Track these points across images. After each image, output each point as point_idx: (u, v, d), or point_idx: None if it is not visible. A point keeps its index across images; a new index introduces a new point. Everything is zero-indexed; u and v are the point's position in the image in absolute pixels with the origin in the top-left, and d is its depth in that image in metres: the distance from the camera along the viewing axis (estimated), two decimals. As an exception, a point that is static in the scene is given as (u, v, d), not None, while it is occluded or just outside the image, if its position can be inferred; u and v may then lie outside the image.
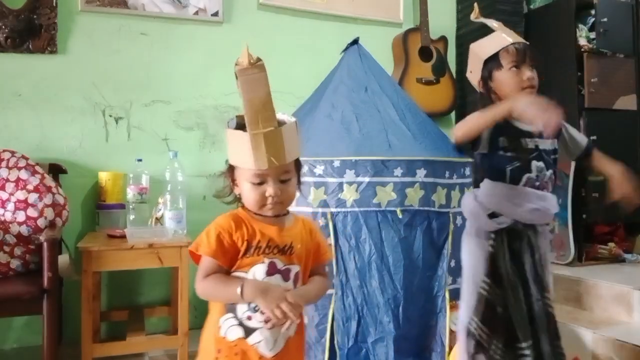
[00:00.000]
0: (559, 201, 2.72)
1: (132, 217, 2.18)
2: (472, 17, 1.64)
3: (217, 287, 1.04)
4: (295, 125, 1.08)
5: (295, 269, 1.10)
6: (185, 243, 1.98)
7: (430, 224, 1.87)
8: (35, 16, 2.26)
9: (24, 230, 1.93)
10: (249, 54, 1.01)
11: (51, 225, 1.96)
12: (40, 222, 1.94)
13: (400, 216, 1.80)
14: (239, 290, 1.01)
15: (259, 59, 1.02)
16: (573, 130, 1.55)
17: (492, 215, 1.44)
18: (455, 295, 2.05)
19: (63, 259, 1.92)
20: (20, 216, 1.93)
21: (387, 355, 1.76)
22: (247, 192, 1.07)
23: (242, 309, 1.05)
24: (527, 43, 1.48)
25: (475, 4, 1.66)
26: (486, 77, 1.49)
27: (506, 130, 1.45)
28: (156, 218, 2.17)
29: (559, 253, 2.75)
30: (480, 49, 1.51)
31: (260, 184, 1.05)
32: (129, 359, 2.06)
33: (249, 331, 1.05)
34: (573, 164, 2.69)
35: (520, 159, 1.43)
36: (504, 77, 1.46)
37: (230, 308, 1.06)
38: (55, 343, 1.81)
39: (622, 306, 2.23)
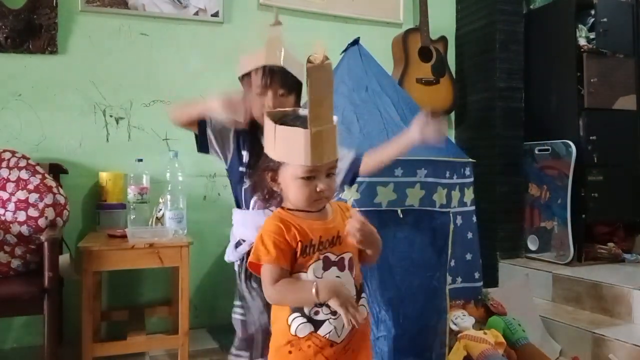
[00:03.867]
0: (558, 201, 2.79)
1: (132, 217, 2.18)
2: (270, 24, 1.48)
3: (289, 293, 1.05)
4: (337, 124, 1.11)
5: (347, 256, 1.11)
6: (186, 243, 1.99)
7: (430, 223, 1.87)
8: (35, 16, 2.26)
9: (24, 230, 1.93)
10: (324, 53, 1.02)
11: (52, 225, 1.96)
12: (41, 222, 1.94)
13: (400, 216, 1.80)
14: (314, 291, 1.01)
15: (327, 58, 1.03)
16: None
17: (238, 244, 1.40)
18: (455, 295, 2.05)
19: (64, 258, 1.92)
20: (21, 216, 1.93)
21: (387, 354, 1.76)
22: (298, 188, 1.07)
23: (308, 306, 1.07)
24: (280, 66, 1.34)
25: (276, 11, 1.51)
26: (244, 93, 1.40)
27: (249, 140, 1.35)
28: (157, 218, 2.17)
29: (559, 253, 2.76)
30: (241, 63, 1.40)
31: (311, 179, 1.06)
32: (129, 358, 2.06)
33: (318, 324, 1.07)
34: (572, 164, 2.70)
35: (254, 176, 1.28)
36: (252, 99, 1.36)
37: (296, 307, 1.08)
38: (56, 343, 1.81)
39: (622, 306, 2.24)
